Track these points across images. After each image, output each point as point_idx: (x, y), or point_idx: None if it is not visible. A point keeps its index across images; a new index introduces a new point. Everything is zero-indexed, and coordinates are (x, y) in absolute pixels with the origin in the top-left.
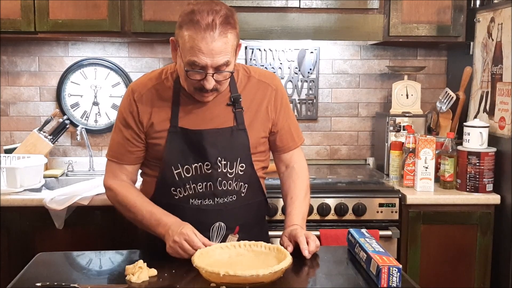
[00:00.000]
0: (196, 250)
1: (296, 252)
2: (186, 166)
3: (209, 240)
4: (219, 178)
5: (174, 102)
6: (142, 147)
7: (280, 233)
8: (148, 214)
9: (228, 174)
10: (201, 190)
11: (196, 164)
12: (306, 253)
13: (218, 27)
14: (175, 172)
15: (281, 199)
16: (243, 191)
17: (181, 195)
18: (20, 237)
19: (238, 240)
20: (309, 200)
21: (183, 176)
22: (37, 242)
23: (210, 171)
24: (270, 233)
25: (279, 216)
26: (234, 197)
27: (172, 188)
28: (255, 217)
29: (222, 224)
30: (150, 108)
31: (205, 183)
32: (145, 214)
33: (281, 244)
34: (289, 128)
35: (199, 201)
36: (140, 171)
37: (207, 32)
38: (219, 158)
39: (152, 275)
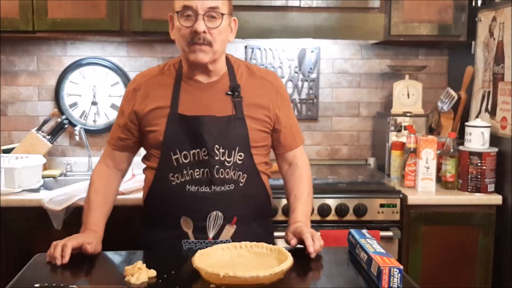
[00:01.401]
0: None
1: (297, 253)
2: (184, 152)
3: (207, 229)
4: (217, 166)
5: (175, 89)
6: (132, 137)
7: (280, 233)
8: (85, 212)
9: (226, 163)
10: (198, 177)
11: (194, 150)
12: (312, 250)
13: None
14: (173, 157)
15: (283, 200)
16: (242, 181)
17: (178, 181)
18: (19, 238)
19: (236, 232)
20: (313, 198)
21: (181, 162)
22: (35, 243)
23: (207, 157)
24: None
25: (279, 216)
26: (231, 186)
27: (170, 174)
28: (255, 211)
29: (219, 213)
30: (149, 97)
31: (202, 169)
32: (85, 210)
33: (285, 239)
34: (291, 127)
35: (196, 187)
36: (144, 166)
37: None
38: (216, 145)
39: (151, 276)
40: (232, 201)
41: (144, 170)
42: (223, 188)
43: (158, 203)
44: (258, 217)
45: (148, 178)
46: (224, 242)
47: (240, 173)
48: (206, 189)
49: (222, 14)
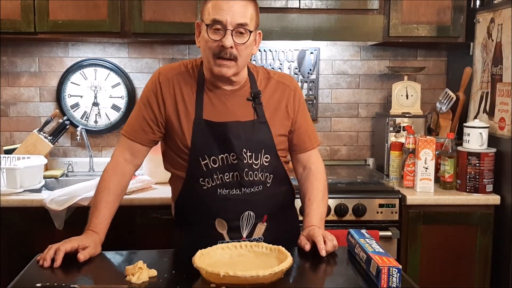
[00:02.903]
0: (44, 256)
1: (297, 253)
2: (213, 157)
3: (240, 229)
4: (245, 169)
5: (198, 95)
6: (156, 130)
7: None
8: (91, 211)
9: (253, 165)
10: (228, 180)
11: (222, 155)
12: (323, 253)
13: None
14: (202, 163)
15: (298, 200)
16: (269, 181)
17: (209, 185)
18: (20, 238)
19: (266, 228)
20: (327, 201)
21: (210, 167)
22: (37, 242)
23: (236, 161)
24: None
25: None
26: (260, 187)
27: (201, 179)
28: (282, 206)
29: (251, 213)
30: (174, 93)
31: (231, 173)
32: (91, 208)
33: (299, 244)
34: (306, 128)
35: (227, 190)
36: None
37: None
38: (244, 149)
39: (152, 276)
40: (261, 200)
41: (171, 177)
42: (252, 189)
43: (191, 207)
44: (286, 212)
45: (177, 184)
46: (257, 240)
47: (267, 174)
48: (237, 191)
49: (250, 32)
